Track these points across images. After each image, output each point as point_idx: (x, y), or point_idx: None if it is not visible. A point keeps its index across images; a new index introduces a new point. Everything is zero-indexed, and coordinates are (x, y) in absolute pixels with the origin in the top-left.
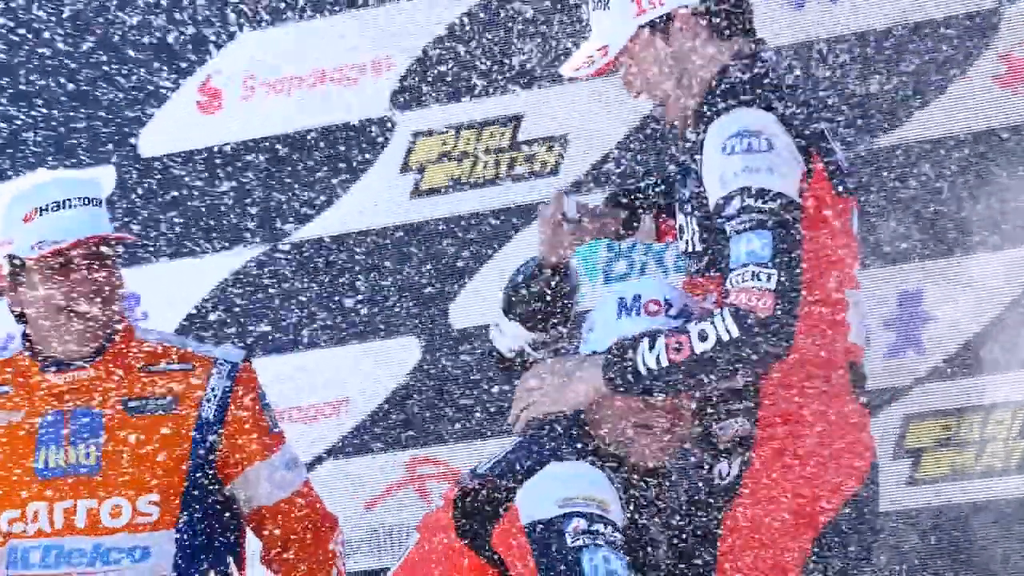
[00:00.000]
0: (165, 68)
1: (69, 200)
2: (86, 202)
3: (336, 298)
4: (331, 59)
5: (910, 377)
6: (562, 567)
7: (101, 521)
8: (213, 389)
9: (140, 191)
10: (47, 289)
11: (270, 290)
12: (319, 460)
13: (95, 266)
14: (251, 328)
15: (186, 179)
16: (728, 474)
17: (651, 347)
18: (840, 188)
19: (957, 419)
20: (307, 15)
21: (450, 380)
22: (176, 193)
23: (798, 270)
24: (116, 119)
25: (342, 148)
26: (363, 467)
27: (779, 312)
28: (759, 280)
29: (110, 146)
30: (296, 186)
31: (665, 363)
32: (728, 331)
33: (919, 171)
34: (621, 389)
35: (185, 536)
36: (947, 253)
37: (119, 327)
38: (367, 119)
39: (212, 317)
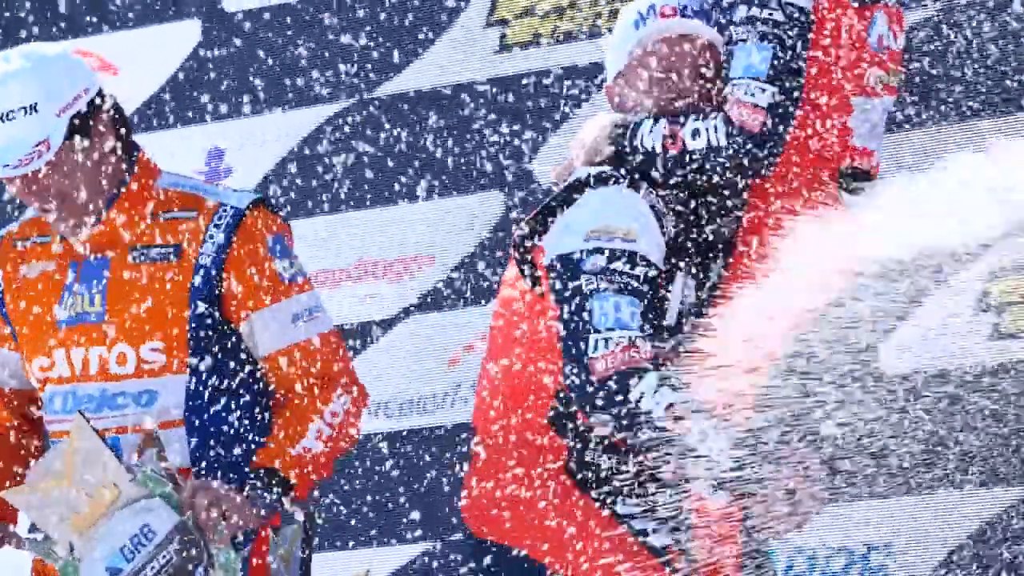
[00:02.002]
0: None
1: None
2: (5, 119)
3: (419, 154)
4: None
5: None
6: (575, 311)
7: (110, 368)
8: (212, 236)
9: (225, 47)
10: (15, 191)
11: (355, 145)
12: (405, 313)
13: (43, 175)
14: (334, 184)
15: (269, 34)
16: None
17: (651, 129)
18: None
19: None
20: None
21: None
22: (260, 49)
23: (796, 84)
24: None
25: (427, 1)
26: (446, 322)
27: (768, 129)
28: (752, 96)
29: (194, 1)
30: (382, 39)
31: (659, 149)
32: (718, 139)
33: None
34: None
35: (197, 380)
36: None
37: (130, 175)
38: None
39: (296, 173)
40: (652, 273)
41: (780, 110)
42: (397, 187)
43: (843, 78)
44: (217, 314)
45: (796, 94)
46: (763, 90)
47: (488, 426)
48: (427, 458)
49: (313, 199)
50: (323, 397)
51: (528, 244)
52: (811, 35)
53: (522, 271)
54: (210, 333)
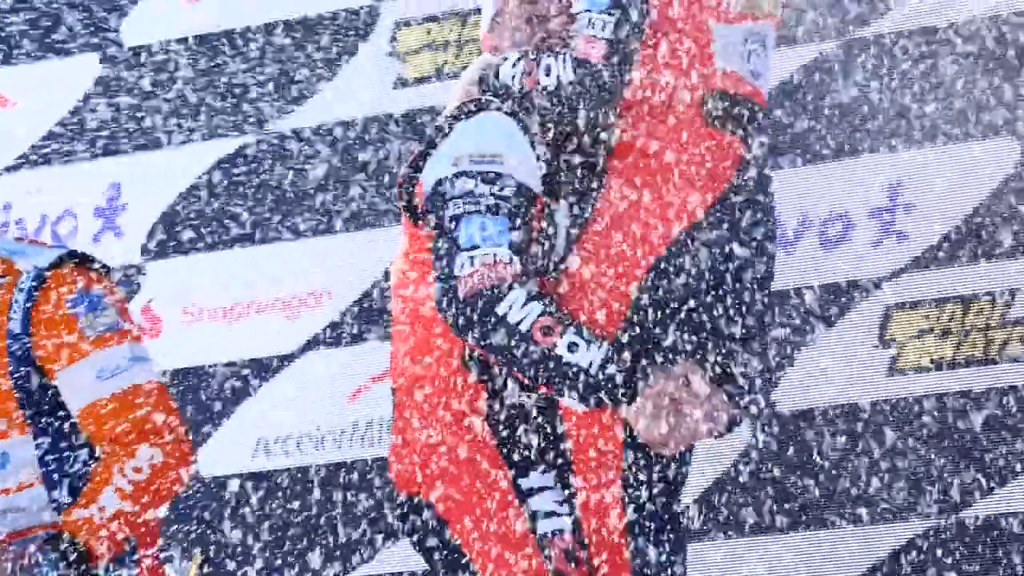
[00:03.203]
0: None
1: None
2: None
3: (317, 189)
4: None
5: (892, 267)
6: (446, 236)
7: None
8: (16, 300)
9: (123, 80)
10: None
11: (252, 180)
12: (302, 351)
13: None
14: (233, 219)
15: (167, 69)
16: None
17: (513, 65)
18: None
19: (938, 309)
20: None
21: None
22: (159, 83)
23: (642, 11)
24: (101, 7)
25: (326, 36)
26: (345, 358)
27: (611, 60)
28: (594, 27)
29: (92, 35)
30: (279, 76)
31: (518, 85)
32: (566, 74)
33: (900, 62)
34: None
35: (43, 438)
36: (930, 141)
37: None
38: (351, 7)
39: (194, 208)
40: (523, 194)
41: (624, 39)
42: (294, 222)
43: (697, 3)
44: (36, 376)
45: (641, 20)
46: (604, 23)
47: (399, 378)
48: (329, 494)
49: (211, 234)
50: (128, 452)
51: (411, 187)
52: None
53: (409, 213)
54: (33, 391)
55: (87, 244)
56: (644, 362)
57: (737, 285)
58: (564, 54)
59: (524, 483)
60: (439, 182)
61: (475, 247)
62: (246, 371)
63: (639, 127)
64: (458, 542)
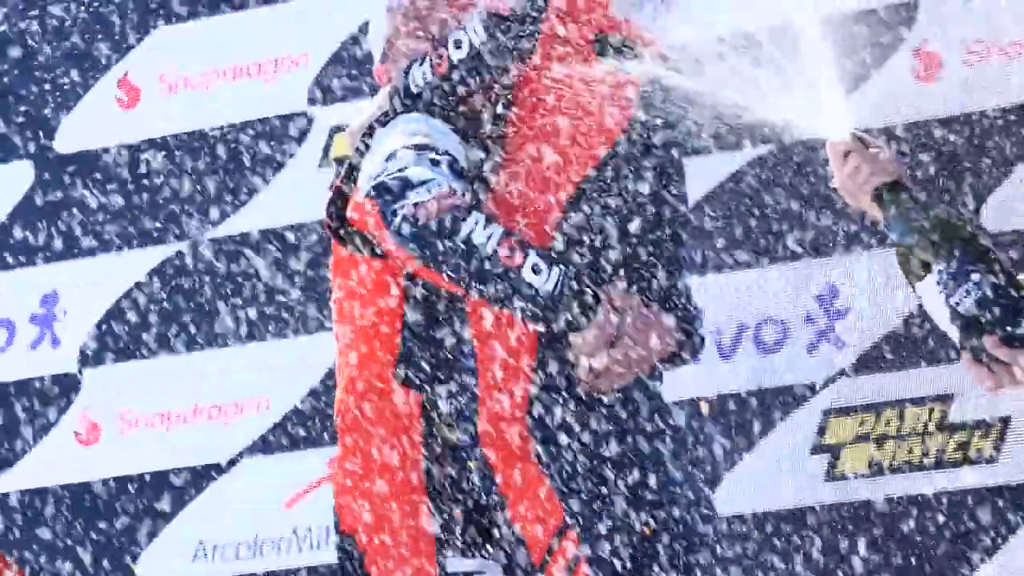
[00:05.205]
0: (83, 65)
1: None
2: None
3: (254, 295)
4: (248, 53)
5: (828, 372)
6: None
7: None
8: None
9: (58, 187)
10: None
11: (189, 286)
12: (238, 458)
13: None
14: (170, 325)
15: (104, 176)
16: None
17: (420, 64)
18: None
19: (875, 414)
20: (222, 10)
21: None
22: (95, 189)
23: None
24: (33, 115)
25: (260, 144)
26: (282, 465)
27: (522, 12)
28: None
29: (27, 142)
30: (215, 182)
31: (430, 78)
32: (479, 36)
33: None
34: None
35: None
36: (866, 247)
37: None
38: (285, 114)
39: (131, 314)
40: (459, 163)
41: None
42: (229, 328)
43: None
44: None
45: None
46: None
47: (340, 408)
48: None
49: (147, 341)
50: None
51: (339, 207)
52: None
53: (339, 236)
54: None
55: (24, 352)
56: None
57: (654, 223)
58: (471, 18)
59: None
60: (376, 177)
61: (429, 180)
62: (184, 478)
63: (538, 71)
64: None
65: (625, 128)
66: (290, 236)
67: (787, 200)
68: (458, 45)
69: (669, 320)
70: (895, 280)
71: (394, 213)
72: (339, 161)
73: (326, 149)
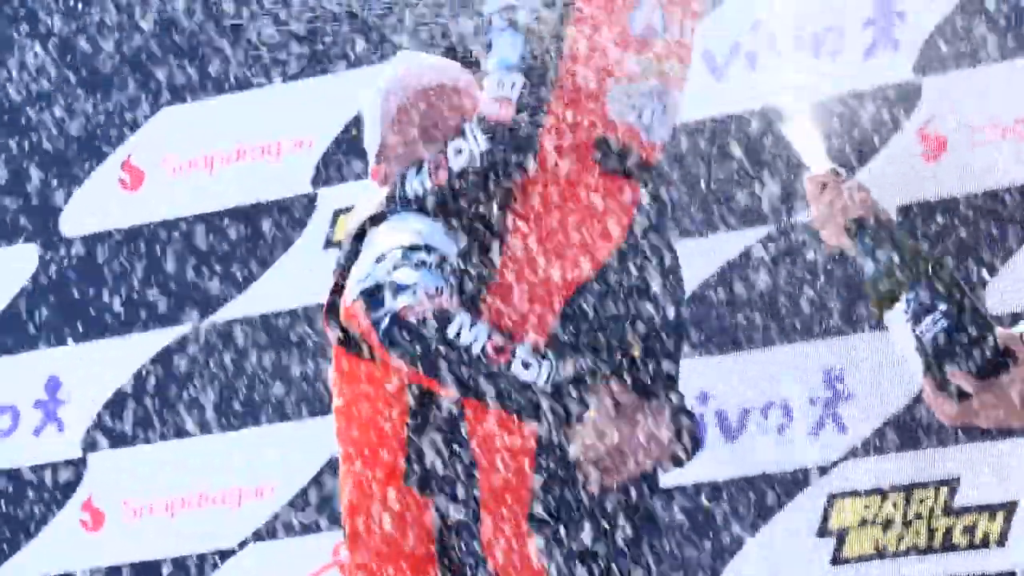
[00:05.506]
0: (87, 146)
1: None
2: None
3: (260, 376)
4: (252, 135)
5: (833, 455)
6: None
7: None
8: None
9: (62, 270)
10: None
11: (194, 370)
12: (243, 544)
13: None
14: (175, 410)
15: (109, 258)
16: None
17: (417, 172)
18: None
19: (880, 497)
20: (228, 89)
21: None
22: (99, 273)
23: (548, 70)
24: (38, 197)
25: (265, 225)
26: (288, 551)
27: (520, 118)
28: (503, 88)
29: (32, 225)
30: (218, 264)
31: (429, 185)
32: (479, 144)
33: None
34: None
35: None
36: (870, 329)
37: None
38: (289, 196)
39: (136, 399)
40: (450, 261)
41: (531, 98)
42: (235, 412)
43: (599, 62)
44: None
45: (548, 79)
46: (514, 82)
47: (347, 509)
48: None
49: (155, 425)
50: None
51: (335, 314)
52: (571, 20)
53: (342, 341)
54: None
55: (27, 438)
56: (588, 379)
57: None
58: (470, 126)
59: None
60: (364, 280)
61: (414, 284)
62: (189, 565)
63: (539, 189)
64: None
65: (627, 229)
66: (295, 318)
67: (790, 282)
68: (458, 152)
69: (666, 416)
70: (899, 362)
71: (381, 318)
72: (341, 244)
73: (331, 229)
